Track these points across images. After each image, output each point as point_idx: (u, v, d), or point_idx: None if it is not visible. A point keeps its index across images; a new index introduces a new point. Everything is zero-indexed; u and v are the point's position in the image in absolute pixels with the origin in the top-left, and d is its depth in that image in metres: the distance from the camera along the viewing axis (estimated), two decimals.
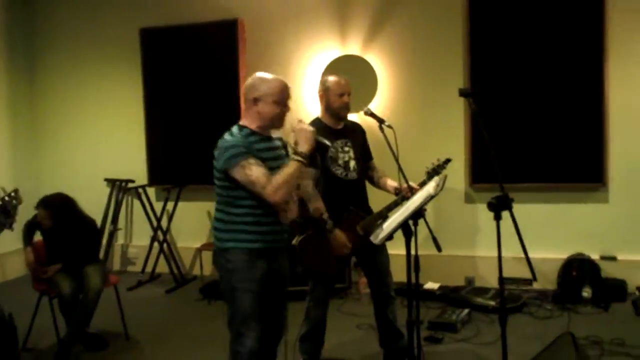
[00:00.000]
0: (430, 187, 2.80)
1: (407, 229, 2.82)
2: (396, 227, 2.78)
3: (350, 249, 3.45)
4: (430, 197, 2.76)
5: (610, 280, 4.92)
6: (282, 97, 2.80)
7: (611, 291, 4.82)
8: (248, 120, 2.85)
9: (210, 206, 2.99)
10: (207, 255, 5.52)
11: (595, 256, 5.03)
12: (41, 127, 6.76)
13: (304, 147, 2.71)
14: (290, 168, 2.68)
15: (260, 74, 2.85)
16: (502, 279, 2.74)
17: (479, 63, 5.25)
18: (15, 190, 1.69)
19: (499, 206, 2.63)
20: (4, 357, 3.95)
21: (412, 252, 2.90)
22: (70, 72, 6.58)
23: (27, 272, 4.46)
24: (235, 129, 2.83)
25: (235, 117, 3.16)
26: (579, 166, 5.08)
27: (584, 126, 5.04)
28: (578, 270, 4.89)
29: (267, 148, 2.83)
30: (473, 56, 5.26)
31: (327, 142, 2.87)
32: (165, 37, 6.08)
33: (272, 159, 2.81)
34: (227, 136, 2.79)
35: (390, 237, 2.89)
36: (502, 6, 5.18)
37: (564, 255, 5.05)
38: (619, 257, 5.01)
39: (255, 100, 2.79)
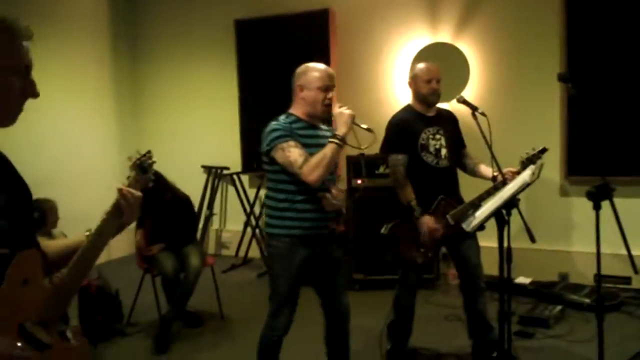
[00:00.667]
0: (526, 175, 2.74)
1: (500, 218, 2.77)
2: (489, 215, 2.74)
3: (441, 233, 3.43)
4: (526, 185, 2.70)
5: None
6: (324, 83, 2.89)
7: None
8: (295, 108, 2.97)
9: None
10: None
11: None
12: (143, 116, 7.16)
13: (341, 130, 2.81)
14: (326, 149, 2.78)
15: (308, 64, 2.97)
16: (600, 272, 2.63)
17: (576, 50, 5.03)
18: (148, 151, 1.90)
19: (599, 195, 2.54)
20: (110, 329, 4.25)
21: (505, 243, 2.85)
22: (168, 62, 6.91)
23: (131, 252, 4.74)
24: (282, 116, 2.95)
25: None
26: None
27: None
28: None
29: (311, 135, 2.92)
30: (570, 42, 5.05)
31: (366, 127, 2.91)
32: (259, 28, 6.25)
33: (315, 146, 2.87)
34: (272, 121, 2.92)
35: (482, 226, 2.86)
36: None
37: None
38: None
39: (301, 88, 2.92)
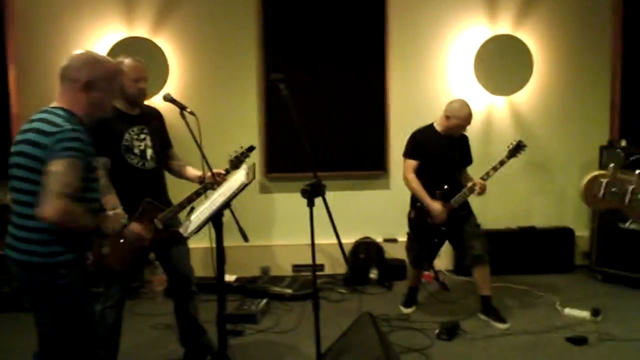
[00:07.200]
0: (242, 176, 2.71)
1: (217, 220, 2.69)
2: (207, 218, 2.64)
3: (148, 242, 3.21)
4: (244, 186, 2.67)
5: (392, 261, 5.34)
6: (118, 82, 2.56)
7: (393, 271, 5.24)
8: (76, 106, 2.40)
9: None
10: None
11: (379, 239, 5.42)
12: None
13: (109, 227, 2.49)
14: (89, 219, 2.37)
15: (89, 52, 2.49)
16: (315, 265, 2.75)
17: (272, 54, 5.31)
18: None
19: (312, 193, 2.64)
20: None
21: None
22: None
23: None
24: (64, 114, 2.35)
25: None
26: (365, 156, 5.45)
27: (368, 120, 5.42)
28: (365, 253, 5.23)
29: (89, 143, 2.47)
30: (267, 47, 5.30)
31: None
32: None
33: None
34: (61, 121, 2.30)
35: (199, 229, 2.74)
36: (294, 2, 5.31)
37: (352, 239, 5.35)
38: (399, 239, 5.42)
39: (89, 84, 2.39)
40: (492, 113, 5.47)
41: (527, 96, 5.50)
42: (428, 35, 5.47)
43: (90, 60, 2.43)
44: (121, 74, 2.59)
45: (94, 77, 2.39)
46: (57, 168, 2.21)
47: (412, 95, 5.46)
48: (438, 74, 5.50)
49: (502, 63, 5.33)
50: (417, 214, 4.29)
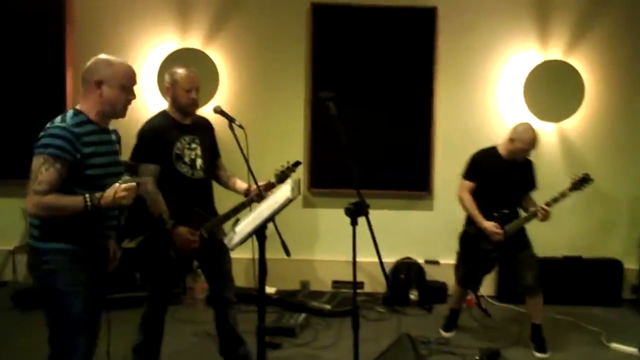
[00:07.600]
0: (287, 191, 2.73)
1: (260, 233, 2.72)
2: (252, 231, 2.67)
3: (199, 243, 3.28)
4: (289, 201, 2.69)
5: (433, 283, 5.27)
6: (130, 82, 2.61)
7: (434, 293, 5.17)
8: (87, 105, 2.57)
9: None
10: (22, 259, 5.01)
11: (420, 260, 5.37)
12: None
13: (107, 200, 2.41)
14: (73, 203, 2.40)
15: (104, 56, 2.62)
16: (355, 283, 2.75)
17: (321, 69, 5.36)
18: None
19: (356, 212, 2.64)
20: None
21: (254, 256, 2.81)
22: None
23: None
24: (70, 113, 2.53)
25: None
26: (409, 176, 5.42)
27: (414, 140, 5.40)
28: (406, 273, 5.18)
29: (102, 141, 2.58)
30: (316, 62, 5.36)
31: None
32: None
33: (105, 154, 2.57)
34: (58, 121, 2.48)
35: (244, 241, 2.77)
36: (345, 20, 5.35)
37: (393, 259, 5.31)
38: (441, 261, 5.38)
39: (99, 83, 2.54)
40: (541, 139, 5.37)
41: (577, 123, 5.38)
42: (478, 57, 5.42)
43: (103, 61, 2.58)
44: (134, 75, 2.65)
45: (103, 76, 2.54)
46: (33, 165, 2.42)
47: (459, 117, 5.42)
48: (487, 97, 5.44)
49: (553, 89, 5.24)
50: (475, 235, 4.17)
